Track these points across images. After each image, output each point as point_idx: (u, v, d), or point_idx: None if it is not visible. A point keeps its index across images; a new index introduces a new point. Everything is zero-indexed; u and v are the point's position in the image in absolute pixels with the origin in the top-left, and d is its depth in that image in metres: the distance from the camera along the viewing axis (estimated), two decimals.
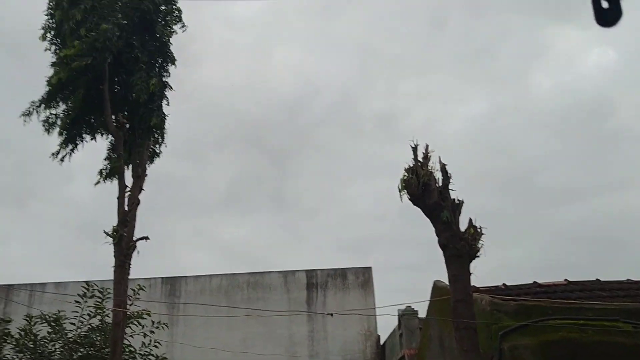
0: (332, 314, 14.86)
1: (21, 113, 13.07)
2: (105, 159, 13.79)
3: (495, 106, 45.99)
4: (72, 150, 13.61)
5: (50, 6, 13.51)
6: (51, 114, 13.29)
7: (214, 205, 47.11)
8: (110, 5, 13.15)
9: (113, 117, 13.33)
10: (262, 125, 47.58)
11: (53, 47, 13.46)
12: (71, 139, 13.51)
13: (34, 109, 13.13)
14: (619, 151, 43.26)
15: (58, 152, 13.49)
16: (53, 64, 13.16)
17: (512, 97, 46.98)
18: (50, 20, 13.48)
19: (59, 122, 13.28)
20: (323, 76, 49.51)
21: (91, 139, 13.90)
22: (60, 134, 13.29)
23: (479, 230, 8.66)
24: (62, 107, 13.34)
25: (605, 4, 1.92)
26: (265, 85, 48.20)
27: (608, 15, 1.94)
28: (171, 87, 13.87)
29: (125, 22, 13.25)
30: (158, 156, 14.23)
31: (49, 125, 13.26)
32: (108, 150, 13.94)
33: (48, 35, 13.41)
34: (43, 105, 13.13)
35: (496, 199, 43.61)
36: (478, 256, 8.53)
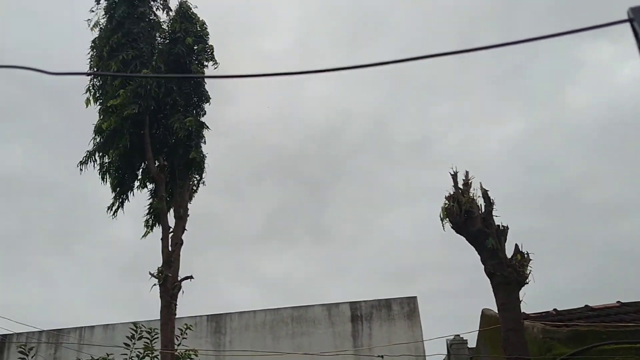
0: (382, 356, 14.63)
1: (79, 162, 13.64)
2: (147, 212, 14.15)
3: (532, 125, 45.34)
4: (122, 202, 14.06)
5: (91, 58, 14.03)
6: (104, 162, 13.75)
7: (254, 239, 47.26)
8: (148, 53, 13.61)
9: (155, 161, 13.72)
10: (297, 158, 47.81)
11: (98, 102, 13.92)
12: (123, 191, 13.98)
13: (89, 157, 13.64)
14: None
15: (113, 206, 13.98)
16: (101, 113, 13.63)
17: (549, 114, 46.25)
18: (94, 80, 14.01)
19: (109, 173, 13.76)
20: (355, 105, 49.66)
21: (143, 188, 14.32)
22: (114, 189, 13.78)
23: (526, 256, 8.52)
24: (112, 154, 13.75)
25: None
26: (298, 118, 48.57)
27: None
28: (207, 127, 14.19)
29: (162, 66, 13.67)
30: (196, 191, 14.45)
31: (103, 174, 13.74)
32: (150, 198, 14.31)
33: (94, 94, 13.89)
34: (98, 153, 13.62)
35: (540, 219, 42.66)
36: (527, 283, 8.37)
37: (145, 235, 13.91)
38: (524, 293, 8.43)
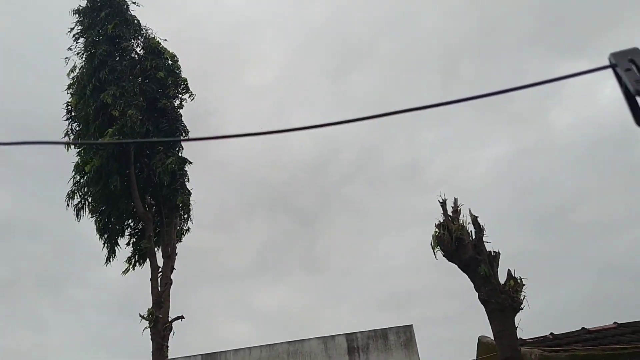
0: None
1: (66, 196, 13.54)
2: (132, 250, 13.99)
3: (519, 146, 45.64)
4: (112, 248, 13.89)
5: (68, 103, 14.00)
6: (82, 199, 13.63)
7: (247, 273, 46.86)
8: (131, 91, 13.60)
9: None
10: (287, 189, 47.76)
11: (75, 149, 13.87)
12: (112, 236, 13.83)
13: (73, 194, 13.54)
14: None
15: (108, 258, 13.86)
16: (81, 153, 13.56)
17: (535, 135, 46.61)
18: (73, 124, 13.98)
19: (94, 217, 13.65)
20: (343, 134, 49.96)
21: (131, 228, 14.19)
22: (101, 235, 13.65)
23: (519, 281, 8.41)
24: (97, 195, 13.59)
25: None
26: (287, 149, 48.70)
27: None
28: (190, 162, 14.13)
29: (145, 105, 13.68)
30: (187, 232, 14.35)
31: (77, 210, 13.62)
32: (131, 236, 14.19)
33: (73, 138, 13.84)
34: (83, 191, 13.51)
35: (533, 239, 42.65)
36: (522, 308, 8.25)
37: (125, 271, 13.72)
38: (519, 319, 8.31)
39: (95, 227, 13.67)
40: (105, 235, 13.75)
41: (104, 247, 13.77)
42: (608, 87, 45.43)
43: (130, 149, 13.30)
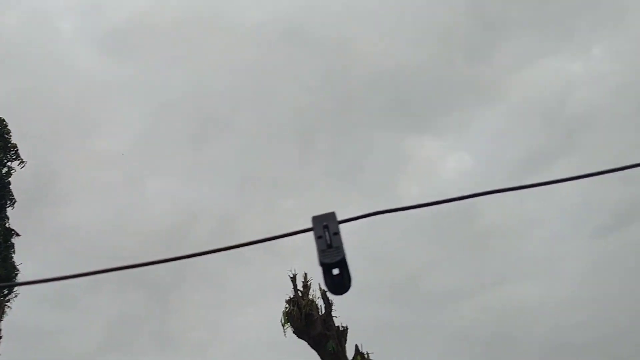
0: None
1: None
2: None
3: (370, 217, 47.62)
4: None
5: None
6: None
7: (93, 355, 43.36)
8: None
9: None
10: (138, 259, 45.55)
11: None
12: None
13: None
14: (491, 248, 45.74)
15: None
16: None
17: (384, 207, 48.99)
18: None
19: None
20: (201, 203, 49.15)
21: None
22: None
23: (366, 356, 8.39)
24: None
25: (335, 271, 1.91)
26: (140, 218, 46.83)
27: (339, 283, 1.91)
28: (17, 234, 12.98)
29: None
30: (8, 307, 13.02)
31: None
32: None
33: None
34: None
35: (386, 309, 43.98)
36: None
37: None
38: None
39: None
40: None
41: None
42: (449, 162, 49.26)
43: None
